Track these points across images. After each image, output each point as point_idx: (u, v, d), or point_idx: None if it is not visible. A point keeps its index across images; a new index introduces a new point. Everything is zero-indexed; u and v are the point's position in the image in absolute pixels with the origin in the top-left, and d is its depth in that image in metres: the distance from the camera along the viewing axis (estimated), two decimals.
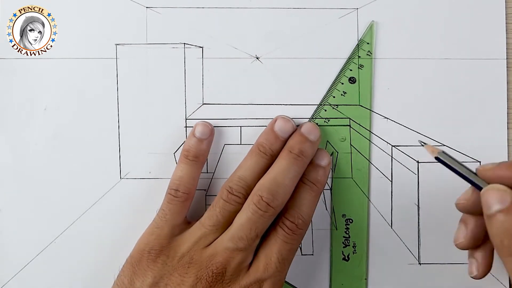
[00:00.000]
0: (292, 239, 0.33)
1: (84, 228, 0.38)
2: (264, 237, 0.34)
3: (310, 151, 0.35)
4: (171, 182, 0.36)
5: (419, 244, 0.38)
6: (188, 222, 0.36)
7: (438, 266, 0.37)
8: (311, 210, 0.35)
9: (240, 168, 0.35)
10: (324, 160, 0.36)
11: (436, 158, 0.30)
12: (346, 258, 0.38)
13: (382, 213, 0.38)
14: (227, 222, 0.33)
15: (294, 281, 0.38)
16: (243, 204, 0.33)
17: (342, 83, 0.37)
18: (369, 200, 0.38)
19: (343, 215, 0.38)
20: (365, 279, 0.38)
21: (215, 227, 0.33)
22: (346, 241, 0.38)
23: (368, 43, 0.37)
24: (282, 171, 0.34)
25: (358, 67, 0.37)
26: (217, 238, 0.33)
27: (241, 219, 0.33)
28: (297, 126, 0.36)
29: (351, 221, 0.38)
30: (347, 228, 0.38)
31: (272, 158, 0.35)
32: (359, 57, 0.37)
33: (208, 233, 0.33)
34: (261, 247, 0.34)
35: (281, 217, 0.34)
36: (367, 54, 0.37)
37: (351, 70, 0.37)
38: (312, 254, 0.38)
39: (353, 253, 0.38)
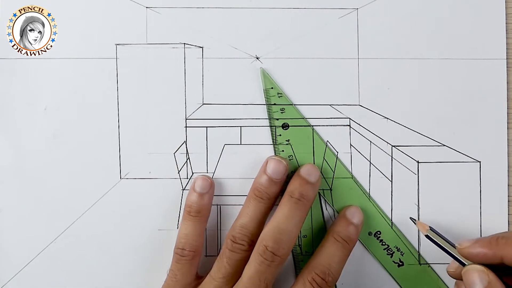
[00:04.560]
0: None
1: (84, 228, 0.38)
2: None
3: (311, 193, 0.35)
4: (177, 241, 0.36)
5: (419, 244, 0.38)
6: (200, 277, 0.36)
7: (438, 266, 0.37)
8: (341, 267, 0.34)
9: (240, 216, 0.35)
10: (356, 218, 0.36)
11: (426, 235, 0.34)
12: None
13: (382, 213, 0.38)
14: (236, 271, 0.34)
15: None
16: (248, 251, 0.34)
17: (280, 134, 0.37)
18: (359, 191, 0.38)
19: (369, 233, 0.38)
20: None
21: (225, 279, 0.34)
22: (388, 250, 0.38)
23: (272, 88, 0.37)
24: (285, 218, 0.34)
25: (281, 112, 0.37)
26: None
27: (249, 271, 0.33)
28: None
29: (379, 233, 0.37)
30: (381, 240, 0.38)
31: (270, 201, 0.35)
32: (274, 104, 0.37)
33: (220, 286, 0.34)
34: None
35: (311, 271, 0.33)
36: (279, 97, 0.37)
37: (277, 119, 0.37)
38: None
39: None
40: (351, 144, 0.38)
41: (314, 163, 0.37)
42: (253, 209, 0.35)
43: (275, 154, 0.37)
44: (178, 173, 0.37)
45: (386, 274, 0.38)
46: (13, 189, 0.38)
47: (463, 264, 0.32)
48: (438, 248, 0.33)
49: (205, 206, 0.36)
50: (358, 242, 0.37)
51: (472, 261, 0.32)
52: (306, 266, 0.34)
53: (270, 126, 0.37)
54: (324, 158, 0.38)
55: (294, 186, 0.35)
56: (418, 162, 0.37)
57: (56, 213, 0.38)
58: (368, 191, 0.38)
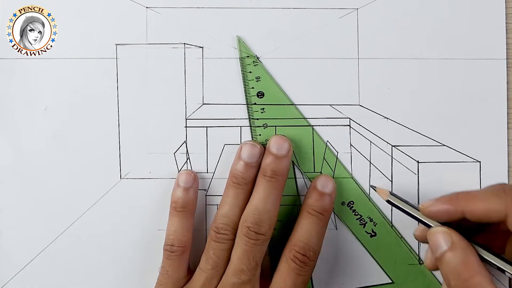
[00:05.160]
0: (305, 271, 0.34)
1: (84, 228, 0.38)
2: (276, 271, 0.34)
3: (283, 168, 0.35)
4: (166, 237, 0.36)
5: (419, 244, 0.38)
6: (191, 271, 0.36)
7: None
8: (321, 240, 0.35)
9: (221, 205, 0.35)
10: (329, 187, 0.36)
11: (387, 201, 0.33)
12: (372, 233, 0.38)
13: (382, 213, 0.38)
14: (224, 261, 0.34)
15: None
16: (232, 239, 0.34)
17: (255, 103, 0.37)
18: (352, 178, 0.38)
19: (342, 203, 0.38)
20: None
21: (214, 270, 0.34)
22: (360, 220, 0.38)
23: (248, 56, 0.37)
24: (262, 198, 0.34)
25: (256, 81, 0.37)
26: (220, 279, 0.34)
27: (237, 252, 0.34)
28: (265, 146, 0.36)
29: (352, 202, 0.38)
30: (354, 210, 0.38)
31: (247, 186, 0.35)
32: (250, 72, 0.37)
33: (211, 277, 0.34)
34: (274, 280, 0.34)
35: (291, 249, 0.34)
36: (254, 65, 0.37)
37: (252, 88, 0.37)
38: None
39: (375, 225, 0.38)
40: (351, 144, 0.38)
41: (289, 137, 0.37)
42: (232, 197, 0.35)
43: (251, 133, 0.38)
44: (178, 173, 0.37)
45: (359, 245, 0.38)
46: (13, 189, 0.38)
47: (427, 225, 0.32)
48: (402, 213, 0.33)
49: (190, 201, 0.36)
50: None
51: (435, 220, 0.31)
52: (287, 244, 0.35)
53: (247, 106, 0.37)
54: (324, 158, 0.38)
55: (265, 163, 0.35)
56: (418, 162, 0.37)
57: (56, 213, 0.38)
58: (368, 191, 0.38)
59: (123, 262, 0.38)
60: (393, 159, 0.38)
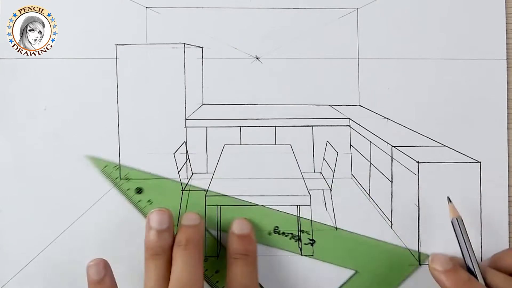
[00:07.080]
0: None
1: (84, 228, 0.38)
2: None
3: (197, 235, 0.35)
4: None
5: (419, 244, 0.38)
6: None
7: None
8: (255, 279, 0.35)
9: (146, 282, 0.34)
10: (246, 228, 0.36)
11: (452, 221, 0.35)
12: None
13: (382, 213, 0.38)
14: None
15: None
16: None
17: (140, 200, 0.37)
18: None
19: (269, 233, 0.38)
20: None
21: None
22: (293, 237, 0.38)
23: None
24: (182, 269, 0.33)
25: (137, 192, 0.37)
26: None
27: None
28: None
29: (277, 227, 0.38)
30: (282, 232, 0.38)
31: (166, 254, 0.34)
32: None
33: None
34: None
35: None
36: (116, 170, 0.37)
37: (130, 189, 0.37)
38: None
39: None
40: (351, 144, 0.38)
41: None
42: (153, 269, 0.34)
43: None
44: (178, 173, 0.37)
45: (305, 258, 0.37)
46: (13, 189, 0.38)
47: (469, 269, 0.33)
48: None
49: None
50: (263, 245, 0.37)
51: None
52: None
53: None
54: (324, 158, 0.38)
55: (179, 233, 0.35)
56: (418, 162, 0.37)
57: (56, 213, 0.38)
58: (368, 191, 0.38)
59: (123, 262, 0.38)
60: (393, 159, 0.38)
